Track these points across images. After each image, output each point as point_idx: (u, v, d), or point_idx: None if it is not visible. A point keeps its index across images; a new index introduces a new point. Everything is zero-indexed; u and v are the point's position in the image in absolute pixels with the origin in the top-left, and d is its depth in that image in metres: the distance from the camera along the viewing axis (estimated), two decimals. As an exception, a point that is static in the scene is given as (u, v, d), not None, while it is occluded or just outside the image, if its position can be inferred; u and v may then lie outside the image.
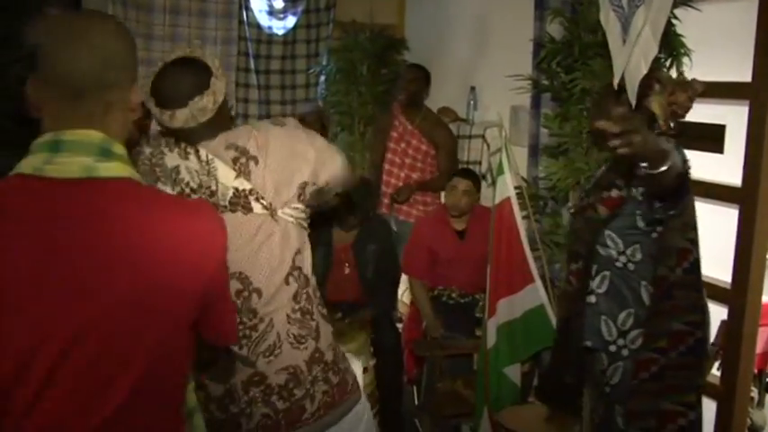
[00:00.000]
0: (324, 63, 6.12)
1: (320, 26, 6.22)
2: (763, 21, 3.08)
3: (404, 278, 4.51)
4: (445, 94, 5.65)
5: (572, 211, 2.78)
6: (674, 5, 3.05)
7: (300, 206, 2.09)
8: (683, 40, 3.35)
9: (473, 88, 5.48)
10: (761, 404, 4.31)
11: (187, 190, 1.98)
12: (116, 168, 1.35)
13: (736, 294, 3.11)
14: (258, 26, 6.03)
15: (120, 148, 1.38)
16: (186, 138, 2.00)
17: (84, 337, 1.27)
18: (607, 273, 2.52)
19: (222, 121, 2.04)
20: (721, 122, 3.28)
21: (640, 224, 2.47)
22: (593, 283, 2.55)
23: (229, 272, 1.83)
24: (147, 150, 2.03)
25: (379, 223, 4.33)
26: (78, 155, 1.32)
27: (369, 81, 5.74)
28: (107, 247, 1.29)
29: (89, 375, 1.28)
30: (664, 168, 2.09)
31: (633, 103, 2.30)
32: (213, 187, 1.98)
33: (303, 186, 2.07)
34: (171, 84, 1.96)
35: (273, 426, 2.05)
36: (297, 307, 2.07)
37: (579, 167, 3.63)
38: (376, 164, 5.29)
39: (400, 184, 5.11)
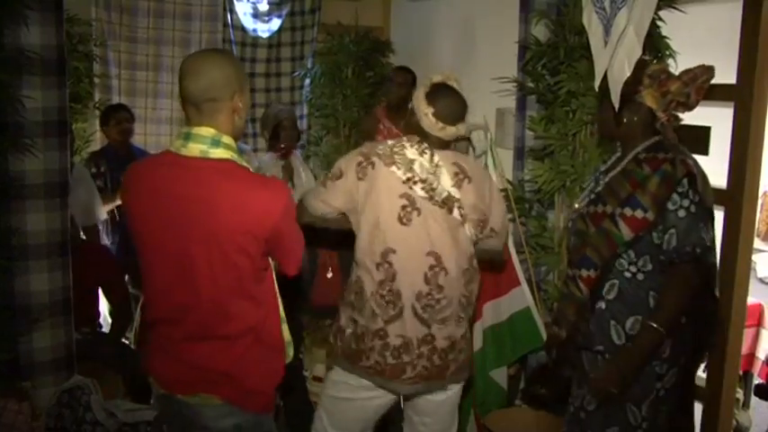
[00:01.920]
0: (309, 66, 6.10)
1: (305, 29, 6.20)
2: (748, 23, 3.09)
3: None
4: (431, 96, 5.63)
5: (576, 213, 2.70)
6: (659, 7, 3.06)
7: (476, 232, 2.73)
8: (668, 41, 3.36)
9: (458, 91, 5.47)
10: (746, 405, 4.33)
11: (415, 178, 2.62)
12: (221, 153, 2.14)
13: (722, 297, 3.11)
14: (243, 29, 6.00)
15: (227, 139, 2.17)
16: (425, 138, 2.68)
17: (195, 246, 2.13)
18: (616, 281, 2.52)
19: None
20: (707, 124, 3.29)
21: (655, 239, 2.45)
22: (603, 290, 2.54)
23: (429, 250, 2.63)
24: (390, 142, 2.71)
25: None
26: (199, 143, 2.14)
27: (354, 84, 5.72)
28: (205, 198, 2.10)
29: (210, 268, 2.14)
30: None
31: (616, 105, 2.28)
32: (434, 185, 2.63)
33: (482, 221, 2.73)
34: (453, 106, 2.68)
35: (427, 376, 2.69)
36: (466, 294, 2.74)
37: (565, 170, 3.63)
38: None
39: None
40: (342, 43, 5.71)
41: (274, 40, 6.13)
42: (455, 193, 2.64)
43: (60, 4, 3.18)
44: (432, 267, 2.65)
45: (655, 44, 3.31)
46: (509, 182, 3.96)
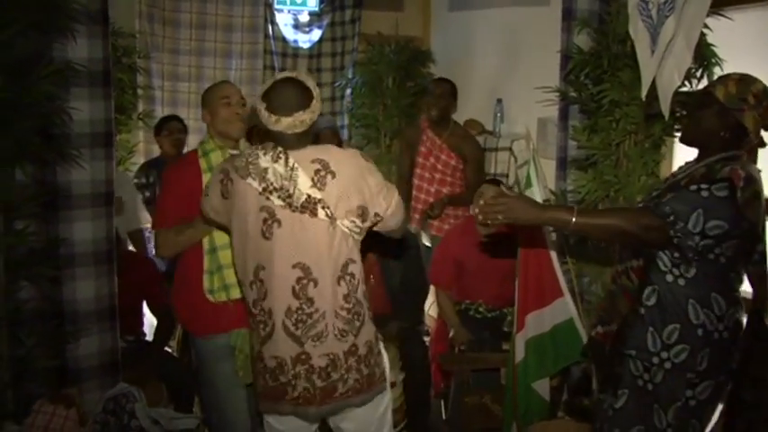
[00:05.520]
0: (349, 76, 6.13)
1: (345, 39, 6.23)
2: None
3: (431, 291, 4.47)
4: (471, 106, 5.63)
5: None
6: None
7: (358, 222, 2.53)
8: (715, 49, 3.31)
9: (499, 100, 5.45)
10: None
11: (270, 188, 2.45)
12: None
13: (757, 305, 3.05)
14: (284, 40, 6.06)
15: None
16: (280, 141, 2.50)
17: None
18: (656, 287, 2.49)
19: (309, 134, 2.57)
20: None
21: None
22: (643, 295, 2.52)
23: (294, 262, 2.47)
24: (247, 152, 2.54)
25: (407, 236, 4.29)
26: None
27: (394, 94, 5.73)
28: None
29: None
30: None
31: (666, 114, 2.26)
32: (291, 191, 2.45)
33: (362, 208, 2.53)
34: (283, 95, 2.48)
35: (311, 398, 2.52)
36: (346, 306, 2.52)
37: (608, 180, 3.59)
38: (404, 178, 5.19)
39: (431, 198, 4.97)
40: (382, 53, 5.72)
41: (315, 51, 6.18)
42: (316, 193, 2.46)
43: (107, 18, 3.24)
44: (299, 280, 2.49)
45: (701, 52, 3.27)
46: (552, 192, 3.93)
